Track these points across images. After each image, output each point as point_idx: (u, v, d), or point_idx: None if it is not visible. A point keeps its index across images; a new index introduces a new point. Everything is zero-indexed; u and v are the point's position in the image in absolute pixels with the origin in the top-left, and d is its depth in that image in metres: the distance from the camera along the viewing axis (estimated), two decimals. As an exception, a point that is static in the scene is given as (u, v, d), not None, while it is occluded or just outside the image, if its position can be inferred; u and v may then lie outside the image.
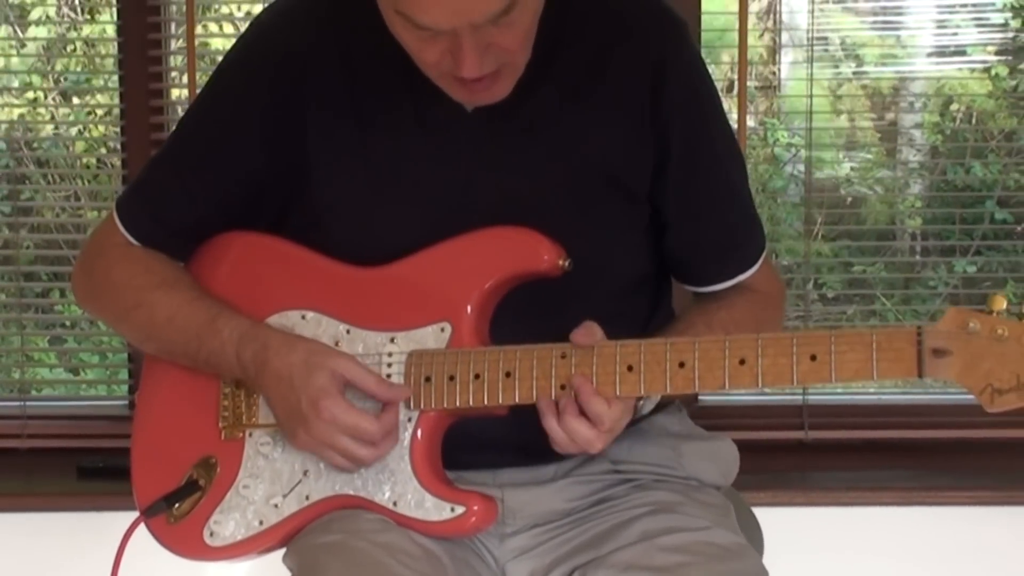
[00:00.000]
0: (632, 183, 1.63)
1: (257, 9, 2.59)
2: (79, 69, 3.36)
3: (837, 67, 3.16)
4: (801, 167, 2.96)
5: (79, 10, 3.51)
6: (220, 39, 3.02)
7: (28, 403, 2.88)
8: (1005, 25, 2.98)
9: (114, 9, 2.87)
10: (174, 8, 2.82)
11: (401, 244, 1.60)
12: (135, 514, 1.67)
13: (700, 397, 2.75)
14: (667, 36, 1.62)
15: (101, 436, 2.76)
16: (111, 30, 3.01)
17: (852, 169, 3.28)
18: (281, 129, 1.62)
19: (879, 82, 3.24)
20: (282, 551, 1.63)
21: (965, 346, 1.40)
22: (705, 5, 2.74)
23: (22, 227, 2.96)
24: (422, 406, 1.56)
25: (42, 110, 3.35)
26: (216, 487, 1.64)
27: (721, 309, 1.66)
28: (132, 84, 2.80)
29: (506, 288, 1.58)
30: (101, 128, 3.24)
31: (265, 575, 1.74)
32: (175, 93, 2.86)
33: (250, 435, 1.64)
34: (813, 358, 1.44)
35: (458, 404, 1.54)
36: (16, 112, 3.10)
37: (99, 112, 3.33)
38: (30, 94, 3.29)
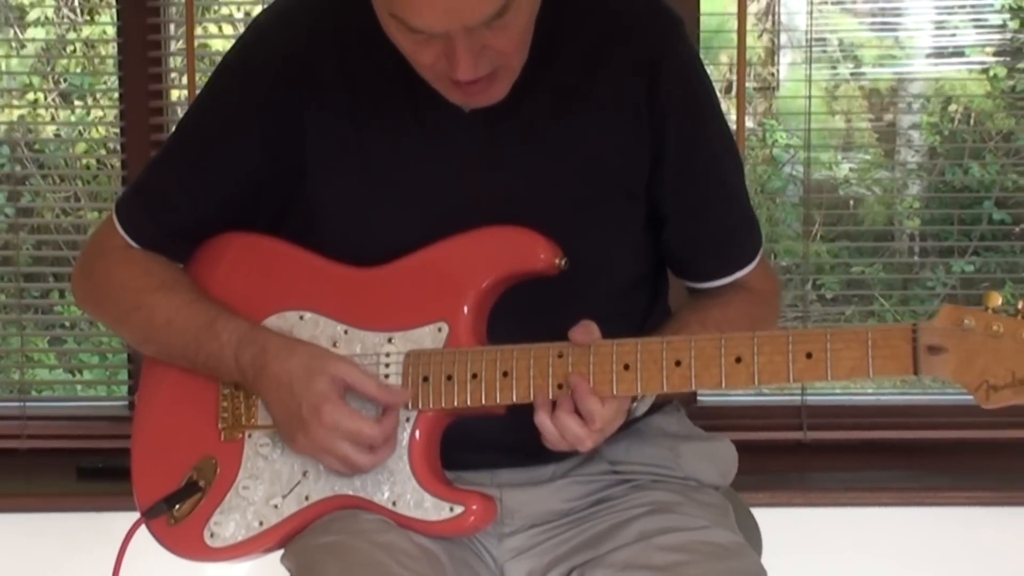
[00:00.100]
0: (630, 182, 1.63)
1: (257, 10, 2.59)
2: (79, 70, 3.36)
3: (835, 68, 3.16)
4: (800, 168, 2.96)
5: (78, 11, 3.51)
6: (220, 40, 3.03)
7: (28, 404, 2.88)
8: (1003, 26, 2.98)
9: (114, 10, 2.87)
10: (174, 9, 2.82)
11: (399, 245, 1.61)
12: (135, 514, 1.67)
13: (699, 398, 2.76)
14: (664, 34, 1.62)
15: (101, 437, 2.76)
16: (111, 31, 3.01)
17: (851, 170, 3.29)
18: (280, 130, 1.63)
19: (877, 83, 3.25)
20: (282, 551, 1.63)
21: (960, 343, 1.40)
22: (704, 6, 2.74)
23: (22, 228, 2.96)
24: (420, 406, 1.56)
25: (42, 111, 3.35)
26: (216, 488, 1.64)
27: (715, 307, 1.66)
28: (132, 85, 2.80)
29: (503, 287, 1.58)
30: (101, 129, 3.24)
31: (265, 575, 1.75)
32: (175, 94, 2.86)
33: (249, 436, 1.64)
34: (809, 356, 1.45)
35: (456, 404, 1.54)
36: (16, 113, 3.10)
37: (99, 113, 3.34)
38: (30, 95, 3.29)
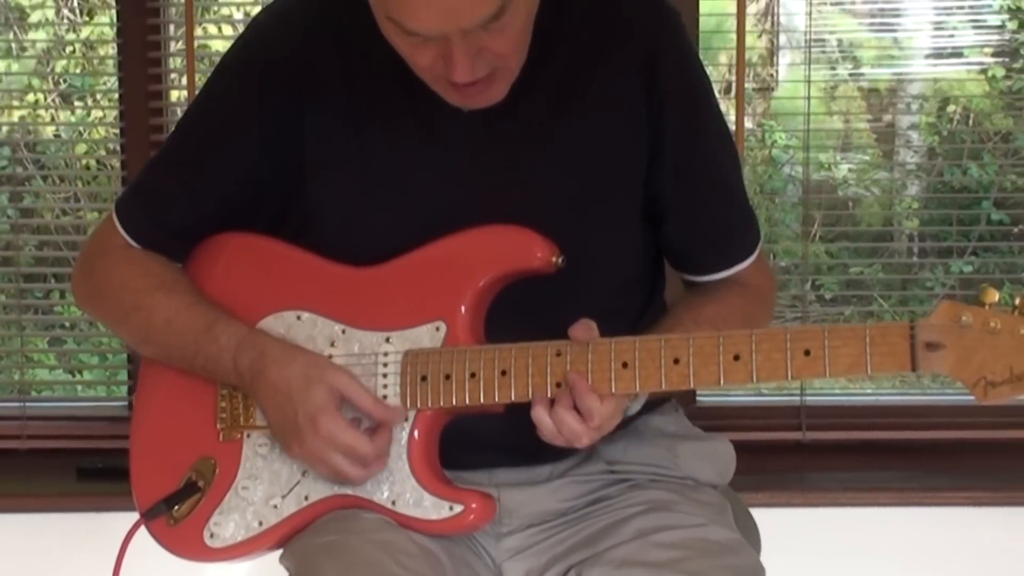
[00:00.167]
0: (629, 179, 1.63)
1: (256, 10, 2.59)
2: (78, 71, 3.36)
3: (834, 68, 3.17)
4: (799, 168, 2.97)
5: (78, 12, 3.51)
6: (219, 41, 3.03)
7: (28, 404, 2.88)
8: (1002, 27, 2.98)
9: (113, 11, 2.87)
10: (173, 10, 2.83)
11: (398, 245, 1.60)
12: (135, 515, 1.67)
13: (698, 398, 2.76)
14: (662, 28, 1.61)
15: (100, 437, 2.77)
16: (110, 32, 3.01)
17: (850, 170, 3.29)
18: (279, 129, 1.62)
19: (876, 83, 3.25)
20: (281, 551, 1.63)
21: (958, 339, 1.40)
22: (703, 6, 2.75)
23: (22, 228, 2.97)
24: (419, 405, 1.56)
25: (42, 112, 3.35)
26: (215, 488, 1.64)
27: (709, 304, 1.66)
28: (131, 86, 2.80)
29: (500, 286, 1.58)
30: (101, 130, 3.25)
31: (264, 575, 1.75)
32: (174, 95, 2.86)
33: (248, 436, 1.64)
34: (807, 353, 1.45)
35: (455, 403, 1.54)
36: (16, 115, 3.10)
37: (98, 114, 3.34)
38: (30, 96, 3.30)
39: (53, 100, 3.43)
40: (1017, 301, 1.39)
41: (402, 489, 1.57)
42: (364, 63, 1.60)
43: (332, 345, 1.61)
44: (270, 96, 1.62)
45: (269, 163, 1.64)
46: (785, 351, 1.45)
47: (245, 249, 1.69)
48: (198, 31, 2.83)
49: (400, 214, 1.62)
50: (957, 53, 2.98)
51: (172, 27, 2.86)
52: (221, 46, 3.00)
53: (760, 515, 1.80)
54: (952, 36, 2.95)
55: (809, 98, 2.81)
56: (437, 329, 1.57)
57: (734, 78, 2.76)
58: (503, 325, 1.57)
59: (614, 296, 1.65)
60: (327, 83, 1.61)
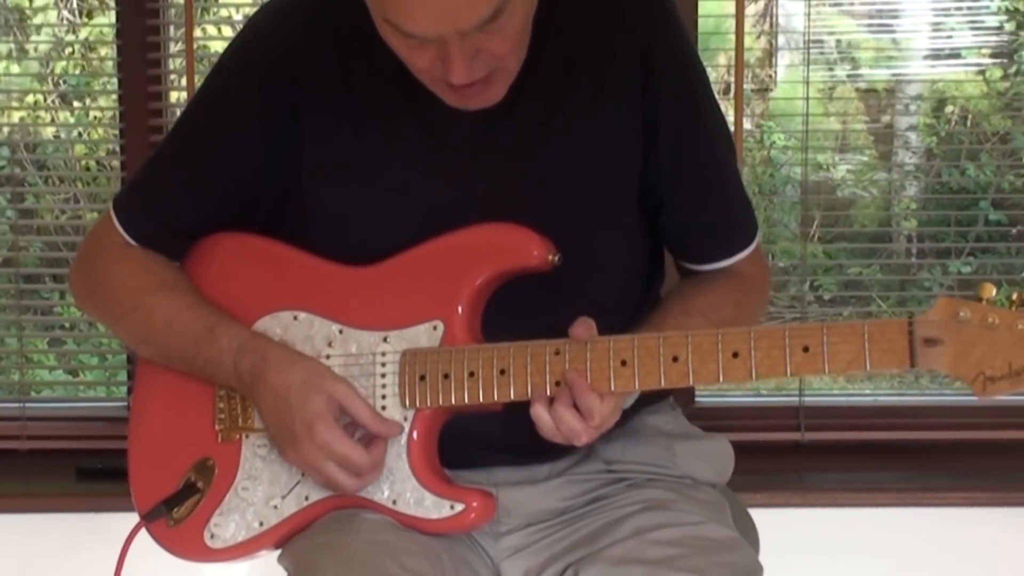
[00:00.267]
0: (627, 173, 1.63)
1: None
2: (78, 72, 3.36)
3: (832, 69, 3.17)
4: (797, 169, 2.97)
5: (77, 13, 3.51)
6: (219, 41, 3.03)
7: (27, 404, 2.88)
8: (1000, 28, 2.98)
9: (113, 12, 2.88)
10: (173, 11, 2.83)
11: (396, 245, 1.60)
12: (134, 515, 1.67)
13: (697, 399, 2.76)
14: (656, 19, 1.61)
15: (100, 437, 2.77)
16: (110, 33, 3.01)
17: (848, 171, 3.29)
18: (277, 128, 1.62)
19: (875, 84, 3.25)
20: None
21: (956, 335, 1.40)
22: (702, 7, 2.75)
23: (22, 229, 2.97)
24: (418, 404, 1.56)
25: (42, 113, 3.35)
26: (215, 489, 1.64)
27: (699, 295, 1.66)
28: (131, 87, 2.80)
29: (496, 284, 1.58)
30: (100, 131, 3.25)
31: (264, 575, 1.75)
32: (174, 96, 2.87)
33: (247, 437, 1.64)
34: (806, 350, 1.45)
35: (453, 402, 1.54)
36: (16, 116, 3.10)
37: (98, 115, 3.34)
38: (30, 98, 3.30)
39: (53, 101, 3.43)
40: (1014, 296, 1.40)
41: (403, 488, 1.57)
42: (363, 63, 1.60)
43: (330, 345, 1.61)
44: (269, 95, 1.62)
45: (268, 162, 1.64)
46: (784, 348, 1.45)
47: (241, 249, 1.69)
48: (197, 32, 2.83)
49: (398, 214, 1.62)
50: (955, 54, 2.99)
51: (172, 28, 2.86)
52: (220, 47, 2.99)
53: (759, 515, 1.81)
54: (950, 37, 2.96)
55: (808, 99, 2.82)
56: (435, 328, 1.57)
57: (733, 79, 2.77)
58: (502, 324, 1.57)
59: (614, 293, 1.65)
60: (325, 83, 1.61)
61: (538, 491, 1.66)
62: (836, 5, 3.04)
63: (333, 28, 1.62)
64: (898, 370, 1.46)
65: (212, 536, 1.63)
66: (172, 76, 2.84)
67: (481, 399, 1.54)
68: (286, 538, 1.62)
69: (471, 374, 1.54)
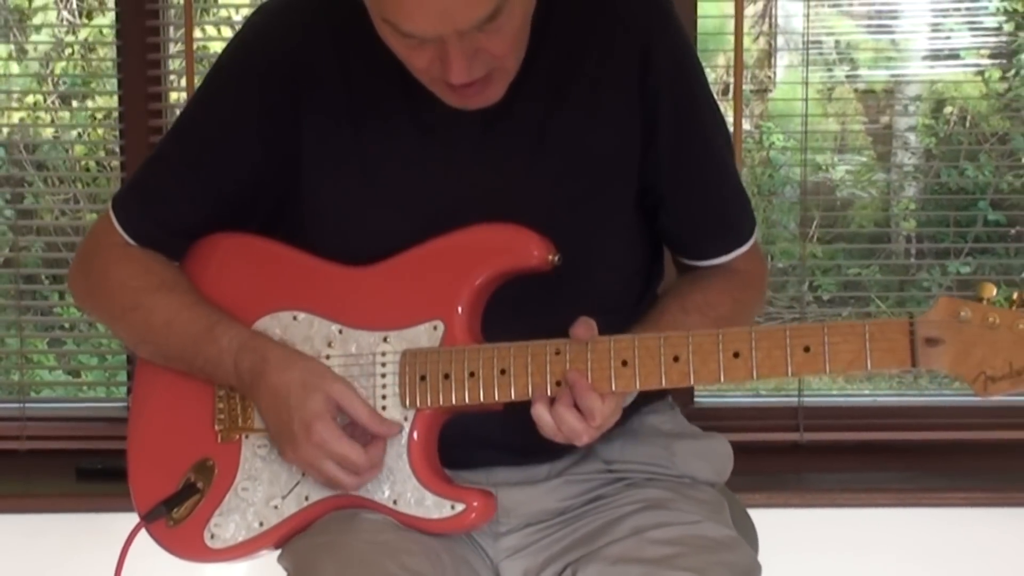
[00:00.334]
0: (626, 173, 1.63)
1: (255, 12, 2.60)
2: (78, 72, 3.37)
3: (831, 70, 3.17)
4: (796, 170, 2.97)
5: (77, 13, 3.52)
6: (218, 42, 3.03)
7: (27, 405, 2.88)
8: (999, 29, 2.99)
9: (113, 12, 2.88)
10: (172, 12, 2.83)
11: (396, 245, 1.60)
12: (134, 515, 1.67)
13: (696, 399, 2.77)
14: (654, 18, 1.61)
15: (100, 438, 2.76)
16: (109, 33, 3.01)
17: (847, 172, 3.29)
18: (277, 128, 1.62)
19: (873, 85, 3.26)
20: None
21: (957, 335, 1.41)
22: (701, 8, 2.75)
23: (22, 230, 2.97)
24: (418, 404, 1.57)
25: (42, 114, 3.36)
26: (214, 489, 1.64)
27: (697, 291, 1.66)
28: (131, 87, 2.80)
29: (496, 284, 1.58)
30: (100, 131, 3.25)
31: (264, 575, 1.75)
32: (174, 96, 2.87)
33: (247, 438, 1.64)
34: (807, 350, 1.45)
35: (454, 402, 1.55)
36: (16, 116, 3.10)
37: (98, 115, 3.34)
38: (30, 98, 3.30)
39: (52, 102, 3.44)
40: (1015, 296, 1.40)
41: (403, 488, 1.57)
42: (362, 63, 1.60)
43: (329, 345, 1.61)
44: (268, 95, 1.62)
45: (267, 162, 1.64)
46: (785, 348, 1.46)
47: (240, 249, 1.69)
48: (197, 32, 2.83)
49: (397, 214, 1.62)
50: (954, 55, 2.99)
51: (171, 29, 2.86)
52: (220, 47, 2.98)
53: (758, 516, 1.81)
54: (949, 38, 2.96)
55: (807, 99, 2.82)
56: (435, 328, 1.57)
57: (732, 79, 2.77)
58: (502, 324, 1.57)
59: (614, 292, 1.66)
60: (325, 82, 1.61)
61: (537, 491, 1.66)
62: (835, 6, 3.04)
63: (332, 28, 1.62)
64: (899, 370, 1.46)
65: (212, 536, 1.64)
66: (172, 76, 2.84)
67: (482, 399, 1.54)
68: (286, 538, 1.62)
69: (471, 374, 1.54)
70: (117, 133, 2.85)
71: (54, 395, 3.18)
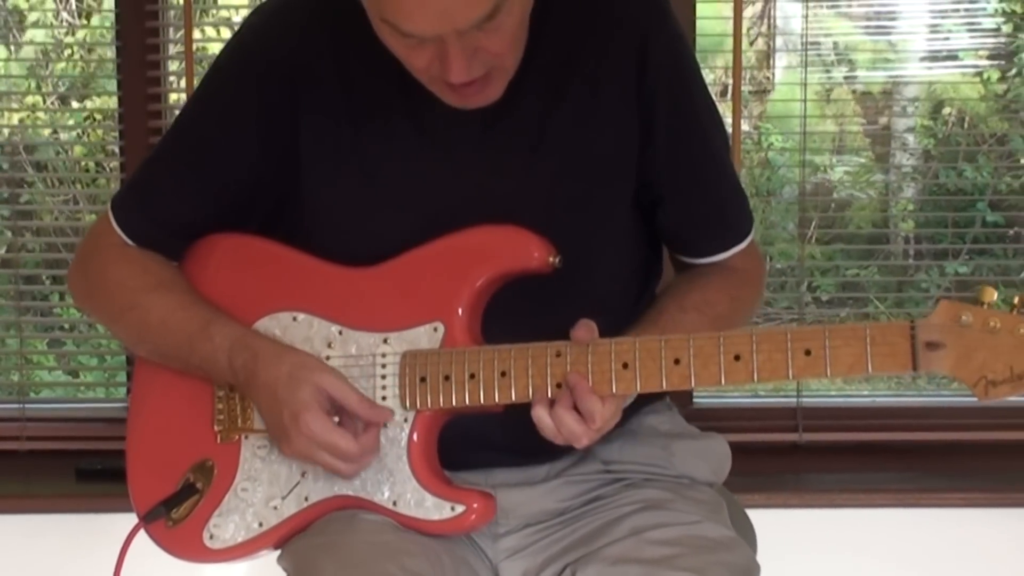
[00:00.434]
0: (625, 171, 1.63)
1: (254, 13, 2.60)
2: (77, 73, 3.37)
3: (830, 71, 3.17)
4: (795, 171, 2.97)
5: (76, 14, 3.52)
6: (218, 43, 3.03)
7: (27, 405, 2.88)
8: (997, 30, 2.99)
9: (112, 14, 2.88)
10: (172, 13, 2.83)
11: (396, 245, 1.61)
12: (133, 516, 1.68)
13: (695, 399, 2.77)
14: (650, 16, 1.61)
15: (100, 438, 2.76)
16: (108, 34, 3.02)
17: (846, 173, 3.30)
18: (276, 128, 1.62)
19: (872, 86, 3.26)
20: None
21: (958, 339, 1.41)
22: (700, 9, 2.75)
23: (21, 230, 2.97)
24: (418, 406, 1.57)
25: (41, 114, 3.36)
26: (214, 490, 1.64)
27: (695, 291, 1.66)
28: (130, 88, 2.80)
29: (497, 286, 1.58)
30: (99, 132, 3.25)
31: (263, 575, 1.75)
32: (173, 97, 2.87)
33: (246, 438, 1.64)
34: (808, 353, 1.45)
35: (454, 403, 1.55)
36: (15, 117, 3.10)
37: (97, 116, 3.34)
38: (29, 99, 3.30)
39: (52, 102, 3.44)
40: (1016, 300, 1.40)
41: (403, 490, 1.57)
42: (361, 63, 1.60)
43: (329, 346, 1.61)
44: (267, 95, 1.62)
45: (266, 162, 1.64)
46: (786, 351, 1.46)
47: (239, 250, 1.69)
48: (196, 34, 2.83)
49: (397, 214, 1.62)
50: (952, 56, 2.99)
51: (171, 30, 2.86)
52: (219, 48, 3.00)
53: (756, 516, 1.81)
54: (947, 39, 2.96)
55: (805, 101, 2.82)
56: (435, 330, 1.57)
57: (731, 81, 2.77)
58: (502, 325, 1.57)
59: (613, 292, 1.66)
60: (324, 83, 1.61)
61: (536, 492, 1.67)
62: (834, 7, 3.05)
63: (331, 29, 1.62)
64: (899, 373, 1.47)
65: (211, 537, 1.64)
66: (171, 77, 2.84)
67: (482, 401, 1.54)
68: (285, 539, 1.62)
69: (472, 376, 1.54)
70: (116, 134, 2.85)
71: (54, 395, 3.17)
